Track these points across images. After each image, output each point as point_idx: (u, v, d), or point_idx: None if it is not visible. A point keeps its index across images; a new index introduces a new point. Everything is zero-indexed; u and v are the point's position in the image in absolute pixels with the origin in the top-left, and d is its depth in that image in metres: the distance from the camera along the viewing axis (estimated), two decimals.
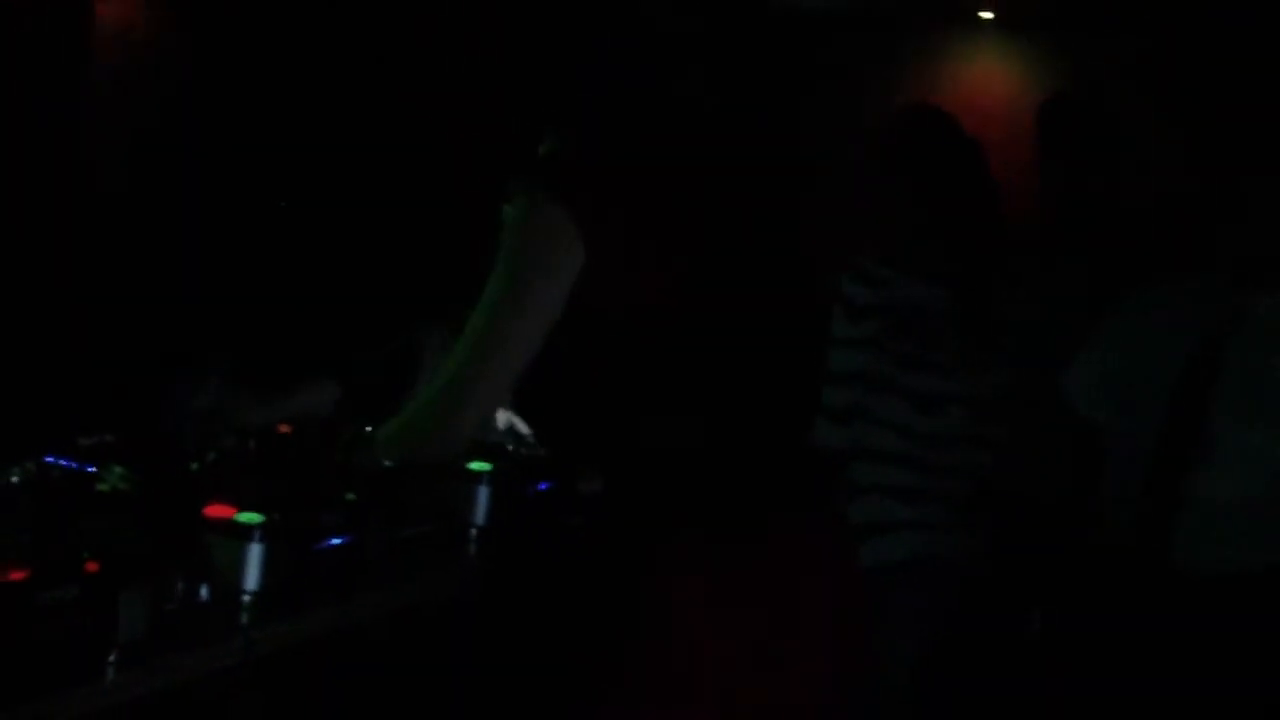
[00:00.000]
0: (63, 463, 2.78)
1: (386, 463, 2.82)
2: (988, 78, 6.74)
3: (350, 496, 2.88)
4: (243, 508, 2.71)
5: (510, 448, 3.31)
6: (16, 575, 2.23)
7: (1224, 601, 3.76)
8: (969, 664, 3.85)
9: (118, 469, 2.80)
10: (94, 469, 2.81)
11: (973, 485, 3.74)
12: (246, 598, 2.65)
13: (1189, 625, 3.81)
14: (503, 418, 3.22)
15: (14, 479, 2.51)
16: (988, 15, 6.61)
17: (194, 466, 2.89)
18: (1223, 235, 3.75)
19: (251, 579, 2.66)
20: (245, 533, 2.66)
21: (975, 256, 3.74)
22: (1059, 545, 4.08)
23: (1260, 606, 3.73)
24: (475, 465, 3.20)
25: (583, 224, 2.55)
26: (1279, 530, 3.73)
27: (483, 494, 3.22)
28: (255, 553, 2.66)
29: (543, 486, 3.33)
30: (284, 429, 3.15)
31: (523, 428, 3.27)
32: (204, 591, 2.64)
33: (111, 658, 2.32)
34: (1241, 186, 3.66)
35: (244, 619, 2.62)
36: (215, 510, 2.71)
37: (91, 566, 2.33)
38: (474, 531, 3.21)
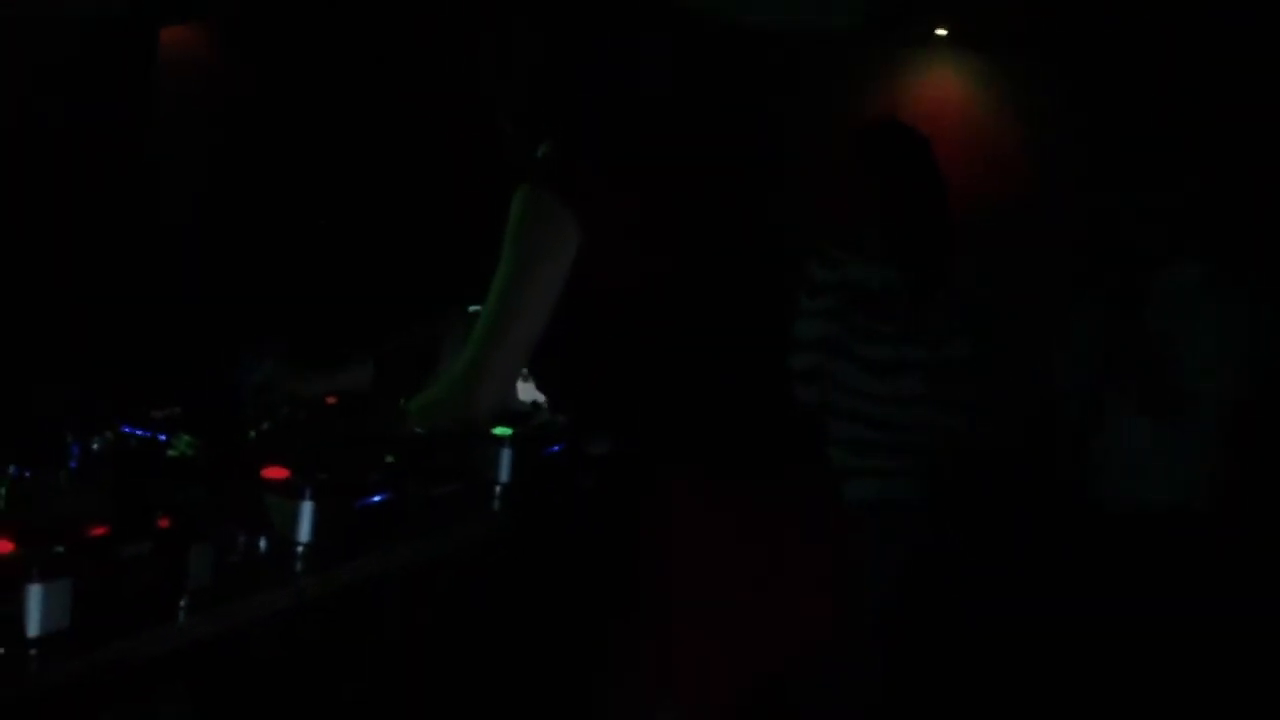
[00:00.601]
0: (138, 432, 2.78)
1: (418, 430, 2.82)
2: (942, 90, 6.71)
3: (389, 459, 2.87)
4: (295, 470, 2.71)
5: (529, 414, 3.32)
6: (98, 532, 2.23)
7: (1131, 536, 3.79)
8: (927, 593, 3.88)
9: (186, 437, 2.79)
10: (165, 438, 2.80)
11: (928, 439, 3.79)
12: (299, 549, 2.65)
13: (1098, 557, 3.85)
14: (523, 388, 3.22)
15: (95, 447, 2.50)
16: (942, 32, 6.57)
17: (252, 434, 2.88)
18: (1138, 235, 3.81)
19: (303, 532, 2.65)
20: (298, 492, 2.66)
21: (922, 242, 3.78)
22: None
23: (1162, 541, 3.76)
24: (498, 430, 3.20)
25: (576, 209, 2.56)
26: (1183, 473, 3.76)
27: (505, 455, 3.21)
28: (307, 509, 2.65)
29: (556, 448, 3.33)
30: (330, 400, 3.15)
31: (539, 397, 3.27)
32: (262, 544, 2.64)
33: (182, 603, 2.31)
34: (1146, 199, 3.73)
35: (297, 568, 2.61)
36: (271, 472, 2.70)
37: (163, 523, 2.32)
38: (498, 489, 3.21)
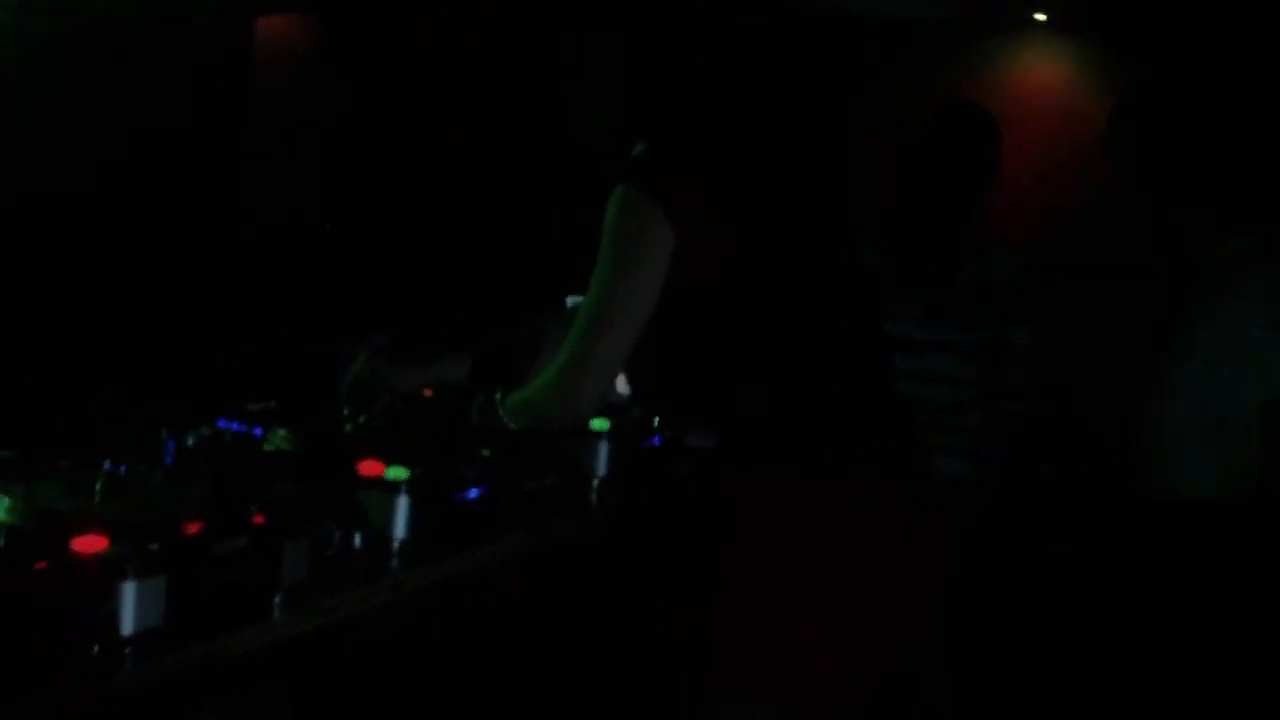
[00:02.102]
0: (233, 427, 2.77)
1: (513, 426, 2.78)
2: (1041, 77, 6.59)
3: (485, 453, 2.84)
4: (391, 464, 2.68)
5: (626, 408, 3.28)
6: (194, 528, 2.21)
7: (1177, 524, 3.68)
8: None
9: (281, 431, 2.78)
10: (260, 432, 2.79)
11: (974, 420, 3.77)
12: (395, 544, 2.63)
13: (1144, 546, 3.74)
14: (621, 383, 3.18)
15: (190, 442, 2.48)
16: (1041, 18, 6.46)
17: (348, 428, 2.86)
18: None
19: (399, 527, 2.63)
20: (393, 486, 2.63)
21: (938, 233, 3.78)
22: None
23: (1211, 530, 3.64)
24: (596, 423, 3.16)
25: (671, 209, 2.52)
26: (1229, 459, 3.63)
27: (602, 449, 3.19)
28: (402, 504, 2.63)
29: (656, 441, 3.30)
30: (427, 393, 3.12)
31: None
32: (357, 539, 2.62)
33: (277, 599, 2.29)
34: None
35: (393, 563, 2.59)
36: (367, 467, 2.68)
37: (259, 519, 2.30)
38: (595, 482, 3.18)
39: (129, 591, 2.04)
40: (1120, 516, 3.83)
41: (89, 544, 2.06)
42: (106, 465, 2.32)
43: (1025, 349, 3.77)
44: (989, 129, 3.89)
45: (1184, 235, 3.71)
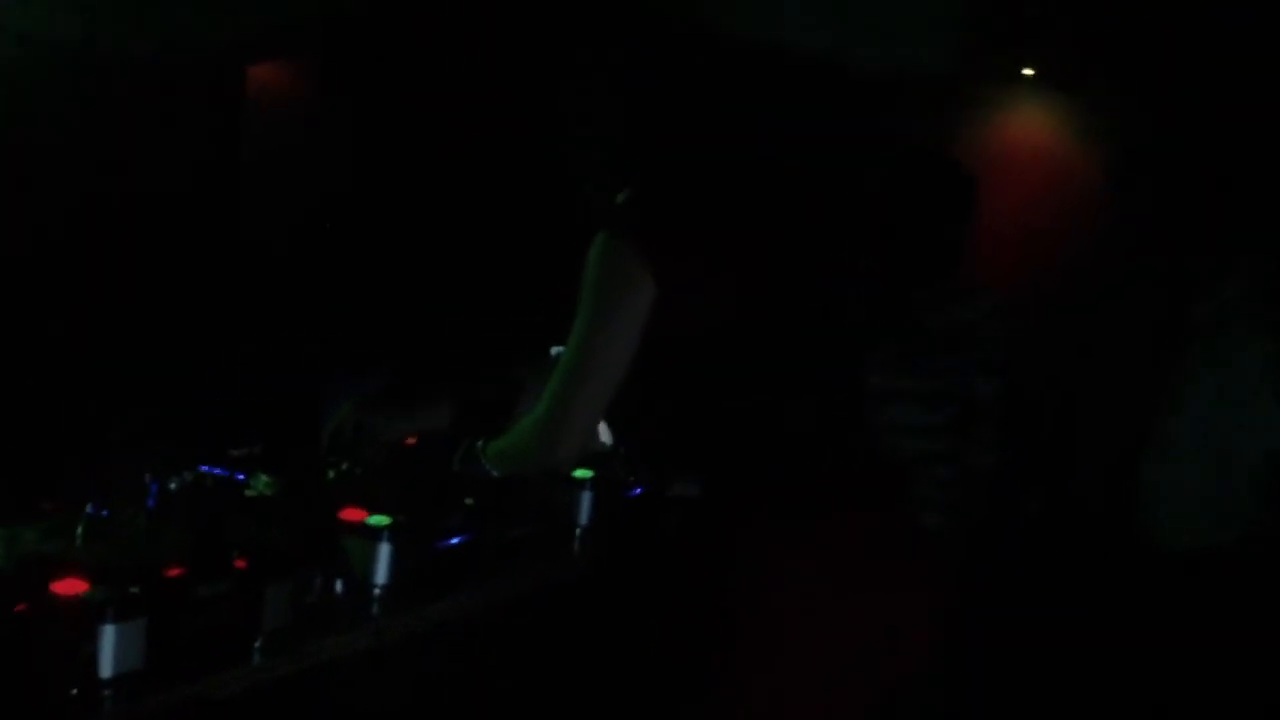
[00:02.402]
0: (216, 471, 2.77)
1: (495, 474, 2.78)
2: (1028, 131, 6.62)
3: (468, 501, 2.84)
4: (373, 511, 2.68)
5: (609, 456, 3.28)
6: (175, 572, 2.21)
7: (1178, 579, 3.68)
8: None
9: (264, 477, 2.78)
10: (243, 477, 2.79)
11: (940, 470, 3.72)
12: (377, 590, 2.62)
13: (1145, 599, 3.73)
14: (603, 432, 3.18)
15: (173, 486, 2.48)
16: (1029, 73, 6.50)
17: (330, 475, 2.86)
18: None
19: (381, 574, 2.63)
20: (376, 533, 2.63)
21: (905, 278, 3.75)
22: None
23: (1210, 583, 3.64)
24: (579, 472, 3.16)
25: (653, 258, 2.54)
26: (1230, 513, 3.64)
27: (586, 498, 3.18)
28: (385, 551, 2.63)
29: (637, 491, 3.30)
30: (410, 442, 3.12)
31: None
32: (339, 585, 2.62)
33: (258, 643, 2.29)
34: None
35: (375, 609, 2.59)
36: (349, 513, 2.68)
37: (240, 563, 2.31)
38: (578, 531, 3.18)
39: (109, 634, 2.04)
40: (1105, 566, 3.82)
41: (69, 586, 2.06)
42: (89, 508, 2.32)
43: (994, 400, 3.71)
44: (953, 176, 3.85)
45: (1185, 283, 3.72)
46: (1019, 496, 3.86)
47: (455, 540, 2.79)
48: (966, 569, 3.64)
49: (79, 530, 2.26)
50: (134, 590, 2.09)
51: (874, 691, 2.66)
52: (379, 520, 2.65)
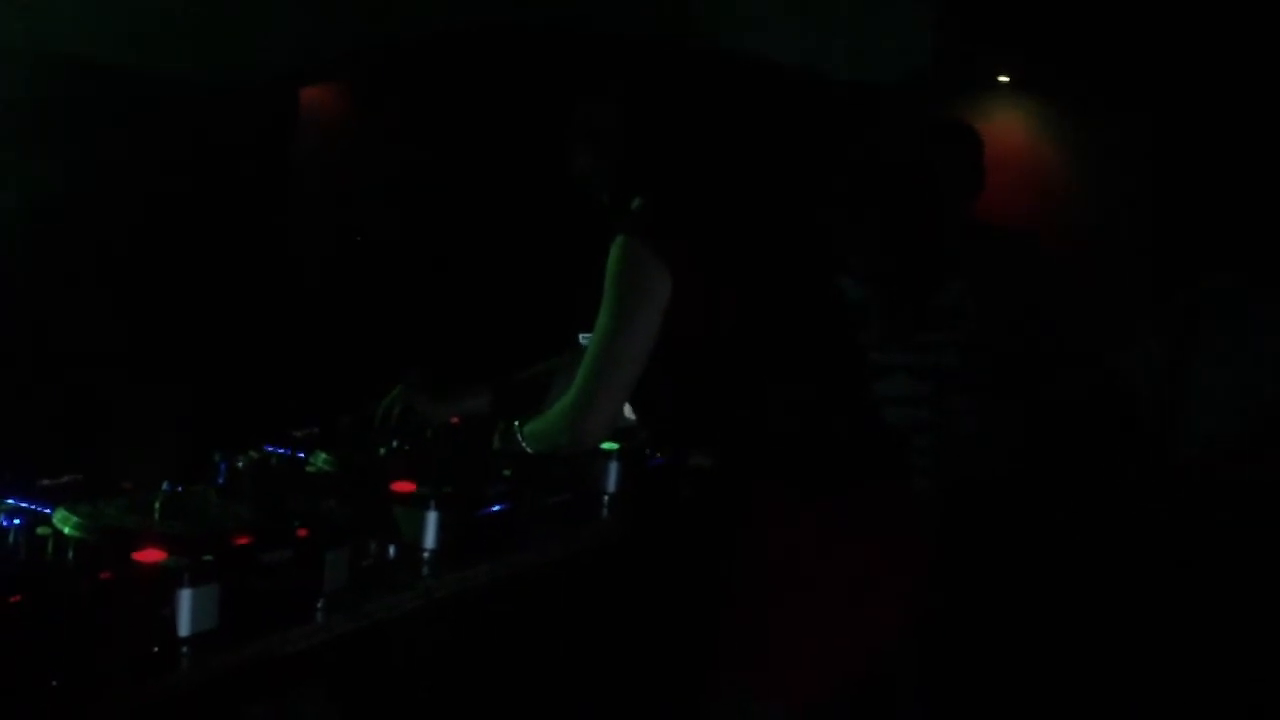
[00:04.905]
0: (280, 451, 2.78)
1: (530, 450, 2.79)
2: (1005, 136, 6.54)
3: (506, 472, 2.84)
4: (422, 483, 2.68)
5: (634, 430, 3.29)
6: (243, 541, 2.21)
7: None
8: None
9: (323, 455, 2.79)
10: (304, 455, 2.80)
11: (927, 440, 3.69)
12: (426, 554, 2.63)
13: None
14: (628, 410, 3.19)
15: (240, 464, 2.49)
16: (1005, 79, 6.44)
17: (382, 452, 2.87)
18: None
19: (429, 539, 2.64)
20: (424, 502, 2.64)
21: (902, 262, 3.72)
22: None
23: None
24: (606, 445, 3.16)
25: (667, 256, 2.55)
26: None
27: (613, 468, 3.19)
28: (432, 518, 2.64)
29: (659, 461, 3.30)
30: (454, 422, 3.13)
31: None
32: (391, 550, 2.63)
33: (319, 604, 2.30)
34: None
35: (424, 572, 2.59)
36: (400, 486, 2.68)
37: (302, 533, 2.31)
38: (606, 498, 3.18)
39: (185, 598, 2.05)
40: (1098, 517, 3.80)
41: (149, 556, 2.08)
42: (165, 486, 2.32)
43: (957, 372, 3.69)
44: (975, 144, 3.86)
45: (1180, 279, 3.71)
46: (994, 459, 3.82)
47: (495, 508, 2.79)
48: (945, 525, 3.62)
49: (157, 505, 2.26)
50: (207, 558, 2.10)
51: (871, 649, 2.68)
52: (426, 491, 2.66)
